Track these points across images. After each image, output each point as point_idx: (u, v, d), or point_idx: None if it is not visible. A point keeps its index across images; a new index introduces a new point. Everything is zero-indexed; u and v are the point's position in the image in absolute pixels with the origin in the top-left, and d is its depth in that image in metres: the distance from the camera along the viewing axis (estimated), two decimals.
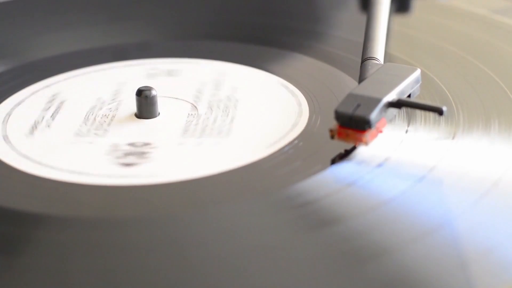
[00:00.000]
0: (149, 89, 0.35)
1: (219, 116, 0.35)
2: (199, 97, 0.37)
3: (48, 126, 0.35)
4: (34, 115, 0.36)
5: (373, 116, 0.30)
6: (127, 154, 0.32)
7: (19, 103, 0.37)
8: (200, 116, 0.35)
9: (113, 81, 0.39)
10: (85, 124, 0.35)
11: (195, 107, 0.36)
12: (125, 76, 0.39)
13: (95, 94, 0.37)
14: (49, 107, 0.36)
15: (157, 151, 0.32)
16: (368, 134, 0.30)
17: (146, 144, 0.33)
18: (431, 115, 0.33)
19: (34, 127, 0.35)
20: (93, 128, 0.34)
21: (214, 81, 0.38)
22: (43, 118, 0.35)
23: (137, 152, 0.32)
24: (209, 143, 0.32)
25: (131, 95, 0.36)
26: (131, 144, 0.33)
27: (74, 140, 0.33)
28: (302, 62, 0.40)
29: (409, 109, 0.33)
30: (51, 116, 0.36)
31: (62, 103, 0.37)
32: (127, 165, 0.31)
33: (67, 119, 0.35)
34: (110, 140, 0.33)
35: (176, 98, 0.36)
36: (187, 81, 0.38)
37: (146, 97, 0.34)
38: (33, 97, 0.38)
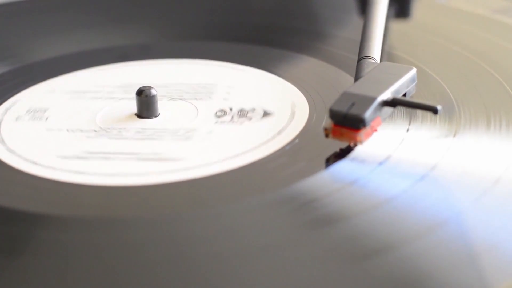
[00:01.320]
0: (149, 88, 0.35)
1: (219, 116, 0.35)
2: (200, 97, 0.36)
3: (47, 118, 0.35)
4: (38, 108, 0.36)
5: (367, 114, 0.30)
6: (95, 152, 0.32)
7: (17, 101, 0.37)
8: (198, 117, 0.35)
9: (135, 79, 0.39)
10: (85, 120, 0.35)
11: (196, 108, 0.36)
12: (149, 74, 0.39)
13: (107, 89, 0.37)
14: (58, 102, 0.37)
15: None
16: (362, 133, 0.30)
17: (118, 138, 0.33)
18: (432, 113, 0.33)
19: (36, 118, 0.35)
20: (92, 124, 0.34)
21: (215, 81, 0.38)
22: (46, 110, 0.36)
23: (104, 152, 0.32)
24: (198, 144, 0.32)
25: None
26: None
27: (66, 134, 0.34)
28: (302, 62, 0.40)
29: (409, 108, 0.33)
30: (58, 109, 0.36)
31: (73, 98, 0.37)
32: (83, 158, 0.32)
33: (70, 113, 0.36)
34: (102, 140, 0.33)
35: (180, 99, 0.37)
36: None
37: (146, 96, 0.34)
38: (37, 94, 0.38)
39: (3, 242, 0.27)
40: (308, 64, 0.40)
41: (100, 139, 0.33)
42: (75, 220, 0.28)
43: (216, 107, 0.36)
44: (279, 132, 0.33)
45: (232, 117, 0.35)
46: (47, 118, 0.35)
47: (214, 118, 0.35)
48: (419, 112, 0.33)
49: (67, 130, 0.34)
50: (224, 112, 0.35)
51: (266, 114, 0.35)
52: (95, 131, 0.34)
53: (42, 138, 0.34)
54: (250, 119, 0.34)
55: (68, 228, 0.28)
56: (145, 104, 0.35)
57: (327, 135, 0.30)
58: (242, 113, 0.35)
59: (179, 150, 0.32)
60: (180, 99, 0.36)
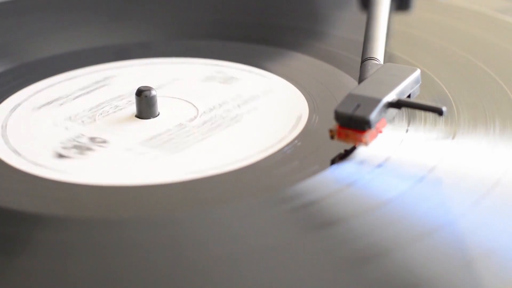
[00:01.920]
0: (149, 89, 0.35)
1: (219, 116, 0.35)
2: (201, 97, 0.37)
3: (61, 104, 0.36)
4: (43, 106, 0.36)
5: (373, 116, 0.30)
6: (75, 146, 0.32)
7: (24, 100, 0.37)
8: (198, 117, 0.35)
9: (168, 77, 0.39)
10: (88, 111, 0.35)
11: (196, 108, 0.36)
12: (180, 73, 0.39)
13: (133, 85, 0.38)
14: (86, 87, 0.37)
15: (102, 152, 0.32)
16: (368, 135, 0.30)
17: (103, 142, 0.33)
18: (431, 115, 0.33)
19: (48, 103, 0.36)
20: (86, 116, 0.35)
21: (216, 81, 0.38)
22: (67, 96, 0.37)
23: (83, 147, 0.32)
24: (198, 144, 0.33)
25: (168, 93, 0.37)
26: (91, 139, 0.33)
27: (58, 122, 0.34)
28: (302, 62, 0.40)
29: (409, 109, 0.33)
30: (76, 96, 0.37)
31: (103, 86, 0.38)
32: (61, 156, 0.32)
33: (82, 102, 0.36)
34: (81, 131, 0.33)
35: (179, 99, 0.37)
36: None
37: (146, 97, 0.34)
38: (42, 92, 0.38)
39: (3, 242, 0.27)
40: (308, 64, 0.40)
41: (78, 127, 0.33)
42: (74, 220, 0.28)
43: (215, 107, 0.36)
44: (279, 133, 0.33)
45: (232, 117, 0.35)
46: (48, 118, 0.35)
47: (214, 118, 0.35)
48: (418, 113, 0.33)
49: (67, 129, 0.34)
50: (224, 112, 0.35)
51: (265, 113, 0.35)
52: (85, 118, 0.34)
53: (42, 138, 0.34)
54: (250, 119, 0.34)
55: (68, 228, 0.28)
56: (145, 105, 0.35)
57: (332, 137, 0.30)
58: (242, 113, 0.35)
59: (179, 150, 0.32)
60: (179, 98, 0.36)
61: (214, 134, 0.33)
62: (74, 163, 0.31)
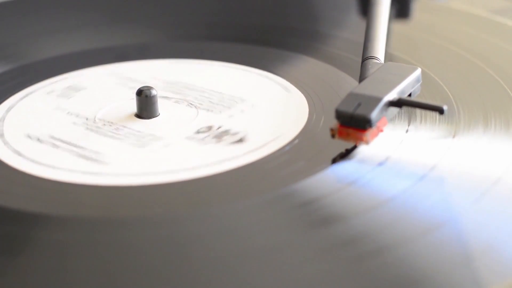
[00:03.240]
0: (149, 88, 0.35)
1: (219, 116, 0.35)
2: (201, 98, 0.37)
3: (49, 115, 0.36)
4: (39, 107, 0.36)
5: (374, 115, 0.30)
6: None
7: (22, 98, 0.37)
8: (198, 117, 0.35)
9: (136, 79, 0.39)
10: (85, 119, 0.35)
11: (196, 107, 0.36)
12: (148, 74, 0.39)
13: (110, 90, 0.38)
14: (60, 99, 0.37)
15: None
16: (368, 133, 0.30)
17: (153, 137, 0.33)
18: (432, 114, 0.33)
19: (35, 117, 0.36)
20: (89, 122, 0.35)
21: (215, 81, 0.38)
22: (47, 107, 0.36)
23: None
24: (199, 144, 0.33)
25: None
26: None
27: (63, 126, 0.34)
28: (302, 62, 0.40)
29: (409, 108, 0.33)
30: (56, 107, 0.36)
31: (74, 95, 0.37)
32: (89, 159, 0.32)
33: (71, 111, 0.36)
34: (96, 136, 0.34)
35: (180, 99, 0.37)
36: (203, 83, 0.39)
37: (146, 96, 0.34)
38: (41, 91, 0.38)
39: (3, 242, 0.27)
40: (307, 64, 0.40)
41: (100, 139, 0.33)
42: (74, 220, 0.28)
43: (215, 106, 0.36)
44: (280, 132, 0.33)
45: (232, 117, 0.35)
46: (48, 118, 0.35)
47: (213, 118, 0.35)
48: (418, 112, 0.33)
49: (67, 129, 0.34)
50: (224, 112, 0.35)
51: (266, 113, 0.35)
52: (95, 131, 0.34)
53: (42, 138, 0.34)
54: (250, 119, 0.34)
55: (68, 228, 0.27)
56: (145, 105, 0.35)
57: (333, 136, 0.30)
58: (241, 113, 0.35)
59: (178, 150, 0.32)
60: (180, 99, 0.36)
61: (212, 135, 0.33)
62: (74, 162, 0.31)
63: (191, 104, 0.36)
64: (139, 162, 0.31)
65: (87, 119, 0.35)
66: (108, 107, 0.36)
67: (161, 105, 0.35)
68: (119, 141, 0.33)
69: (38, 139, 0.34)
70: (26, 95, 0.38)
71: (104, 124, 0.34)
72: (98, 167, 0.31)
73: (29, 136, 0.34)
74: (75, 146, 0.33)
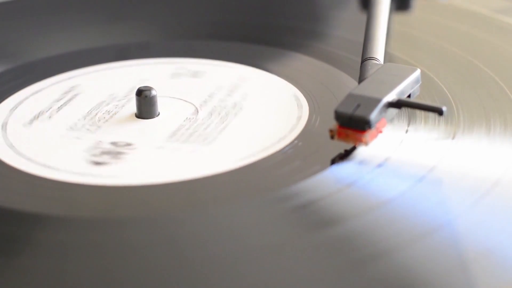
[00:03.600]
0: (149, 89, 0.35)
1: (219, 116, 0.35)
2: (201, 97, 0.36)
3: (50, 117, 0.35)
4: (41, 106, 0.36)
5: (373, 116, 0.30)
6: (104, 152, 0.32)
7: (22, 100, 0.37)
8: (198, 117, 0.35)
9: (135, 78, 0.39)
10: (83, 119, 0.35)
11: (196, 108, 0.36)
12: (149, 73, 0.39)
13: (110, 89, 0.37)
14: (61, 99, 0.37)
15: (135, 153, 0.32)
16: (368, 134, 0.30)
17: (127, 145, 0.33)
18: (431, 115, 0.33)
19: (36, 117, 0.35)
20: (88, 123, 0.34)
21: (216, 81, 0.38)
22: (49, 108, 0.36)
23: (113, 152, 0.32)
24: (202, 146, 0.32)
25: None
26: (113, 143, 0.33)
27: (64, 133, 0.34)
28: (302, 62, 0.40)
29: (409, 109, 0.33)
30: (58, 108, 0.36)
31: (75, 95, 0.37)
32: (98, 163, 0.31)
33: (70, 112, 0.36)
34: (96, 137, 0.33)
35: (180, 99, 0.37)
36: (204, 82, 0.38)
37: (146, 97, 0.34)
38: (40, 93, 0.38)
39: (3, 242, 0.27)
40: (308, 64, 0.40)
41: (89, 135, 0.33)
42: (74, 220, 0.28)
43: (215, 106, 0.36)
44: (279, 132, 0.33)
45: (232, 117, 0.35)
46: (49, 117, 0.35)
47: (213, 117, 0.35)
48: (418, 113, 0.33)
49: (68, 129, 0.34)
50: (224, 112, 0.35)
51: (266, 113, 0.35)
52: (88, 127, 0.34)
53: (43, 137, 0.34)
54: (250, 118, 0.34)
55: (68, 228, 0.28)
56: (144, 104, 0.35)
57: (332, 137, 0.30)
58: (241, 113, 0.35)
59: (178, 150, 0.32)
60: (179, 98, 0.36)
61: (213, 135, 0.33)
62: (74, 162, 0.31)
63: (192, 105, 0.36)
64: (127, 162, 0.31)
65: (87, 117, 0.35)
66: (110, 106, 0.36)
67: (163, 106, 0.35)
68: (120, 141, 0.33)
69: (37, 136, 0.34)
70: (32, 93, 0.38)
71: (104, 123, 0.34)
72: (93, 167, 0.31)
73: (27, 133, 0.34)
74: (73, 144, 0.33)
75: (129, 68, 0.40)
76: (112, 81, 0.39)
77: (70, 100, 0.37)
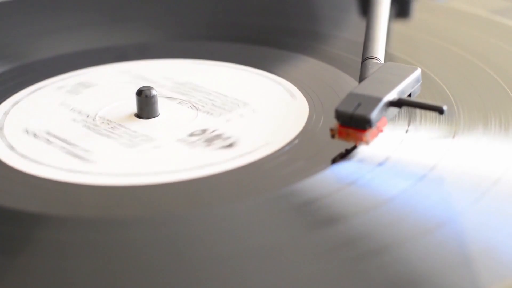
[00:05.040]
0: (149, 89, 0.35)
1: (218, 116, 0.35)
2: (205, 100, 0.37)
3: (52, 113, 0.36)
4: (41, 106, 0.37)
5: (374, 115, 0.30)
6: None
7: (31, 93, 0.37)
8: (198, 116, 0.35)
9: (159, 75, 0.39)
10: (86, 116, 0.35)
11: (196, 108, 0.36)
12: (148, 73, 0.40)
13: (117, 88, 0.38)
14: (68, 94, 0.37)
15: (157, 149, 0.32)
16: (368, 133, 0.30)
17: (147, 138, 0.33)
18: (432, 114, 0.33)
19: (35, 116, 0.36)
20: (87, 120, 0.35)
21: (216, 81, 0.38)
22: (52, 105, 0.36)
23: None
24: (201, 144, 0.32)
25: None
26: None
27: (61, 128, 0.34)
28: (302, 62, 0.40)
29: (409, 108, 0.33)
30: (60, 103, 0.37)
31: (82, 91, 0.38)
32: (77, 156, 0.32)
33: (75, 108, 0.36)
34: (93, 134, 0.34)
35: (179, 100, 0.37)
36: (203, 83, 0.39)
37: (146, 96, 0.34)
38: (45, 89, 0.38)
39: (3, 242, 0.27)
40: (308, 64, 0.40)
41: (94, 138, 0.33)
42: (74, 220, 0.28)
43: (214, 106, 0.36)
44: (279, 132, 0.33)
45: (232, 117, 0.35)
46: (49, 117, 0.35)
47: (212, 117, 0.35)
48: (418, 113, 0.33)
49: (65, 126, 0.34)
50: (224, 112, 0.35)
51: (266, 113, 0.35)
52: (92, 128, 0.34)
53: (39, 133, 0.34)
54: (250, 118, 0.34)
55: (68, 228, 0.28)
56: (144, 105, 0.35)
57: (333, 136, 0.30)
58: (241, 113, 0.35)
59: (179, 150, 0.32)
60: (183, 100, 0.36)
61: (212, 135, 0.33)
62: (74, 162, 0.31)
63: (193, 106, 0.36)
64: (124, 162, 0.31)
65: (87, 116, 0.35)
66: (111, 106, 0.36)
67: (164, 106, 0.35)
68: (112, 140, 0.33)
69: (35, 135, 0.34)
70: (35, 90, 0.38)
71: (103, 122, 0.34)
72: (83, 165, 0.31)
73: (26, 131, 0.34)
74: (68, 143, 0.33)
75: (148, 66, 0.40)
76: (121, 80, 0.39)
77: (77, 95, 0.37)
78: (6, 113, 0.36)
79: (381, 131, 0.31)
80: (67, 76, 0.39)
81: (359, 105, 0.30)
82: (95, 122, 0.35)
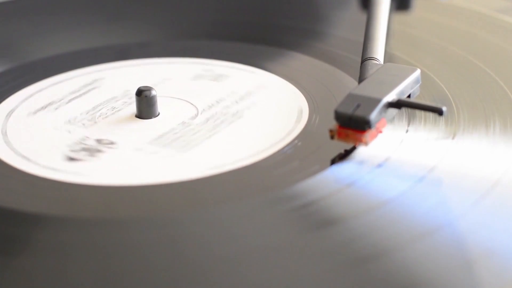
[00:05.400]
0: (149, 89, 0.35)
1: (218, 116, 0.35)
2: (197, 96, 0.37)
3: (56, 109, 0.36)
4: (52, 98, 0.37)
5: (373, 116, 0.30)
6: (84, 149, 0.32)
7: (24, 99, 0.37)
8: (194, 121, 0.35)
9: (157, 76, 0.39)
10: (86, 114, 0.35)
11: (196, 107, 0.36)
12: (172, 73, 0.39)
13: (127, 86, 0.37)
14: (77, 91, 0.37)
15: (112, 152, 0.32)
16: (368, 135, 0.30)
17: (111, 143, 0.33)
18: (431, 115, 0.33)
19: (43, 108, 0.36)
20: (86, 118, 0.35)
21: (216, 81, 0.38)
22: (60, 100, 0.36)
23: (93, 149, 0.32)
24: (200, 145, 0.33)
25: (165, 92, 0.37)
26: (98, 141, 0.33)
27: (59, 126, 0.34)
28: (302, 62, 0.40)
29: (409, 109, 0.33)
30: (69, 100, 0.37)
31: (91, 90, 0.38)
32: (72, 159, 0.32)
33: (77, 105, 0.36)
34: (85, 133, 0.33)
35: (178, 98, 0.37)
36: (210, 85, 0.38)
37: (146, 97, 0.34)
38: (44, 91, 0.38)
39: (3, 242, 0.27)
40: (308, 64, 0.40)
41: (80, 130, 0.33)
42: (74, 220, 0.28)
43: (215, 106, 0.36)
44: (279, 132, 0.33)
45: (231, 116, 0.35)
46: (49, 117, 0.35)
47: (213, 117, 0.35)
48: (418, 113, 0.33)
49: (68, 131, 0.34)
50: (224, 111, 0.35)
51: (265, 113, 0.35)
52: (86, 121, 0.34)
53: (43, 137, 0.34)
54: (250, 118, 0.34)
55: (68, 228, 0.28)
56: (145, 105, 0.35)
57: (332, 137, 0.30)
58: (242, 110, 0.35)
59: (178, 150, 0.32)
60: (180, 98, 0.36)
61: (220, 131, 0.33)
62: (85, 165, 0.31)
63: (193, 105, 0.36)
64: (124, 162, 0.31)
65: (88, 114, 0.35)
66: (111, 106, 0.36)
67: (165, 106, 0.35)
68: (112, 140, 0.33)
69: (35, 134, 0.34)
70: (36, 90, 0.38)
71: (103, 122, 0.34)
72: (84, 165, 0.31)
73: (27, 131, 0.34)
74: (68, 143, 0.33)
75: (152, 66, 0.40)
76: (132, 78, 0.39)
77: (84, 93, 0.37)
78: (6, 113, 0.36)
79: (381, 132, 0.31)
80: (67, 75, 0.39)
81: (358, 106, 0.30)
82: (94, 122, 0.35)
